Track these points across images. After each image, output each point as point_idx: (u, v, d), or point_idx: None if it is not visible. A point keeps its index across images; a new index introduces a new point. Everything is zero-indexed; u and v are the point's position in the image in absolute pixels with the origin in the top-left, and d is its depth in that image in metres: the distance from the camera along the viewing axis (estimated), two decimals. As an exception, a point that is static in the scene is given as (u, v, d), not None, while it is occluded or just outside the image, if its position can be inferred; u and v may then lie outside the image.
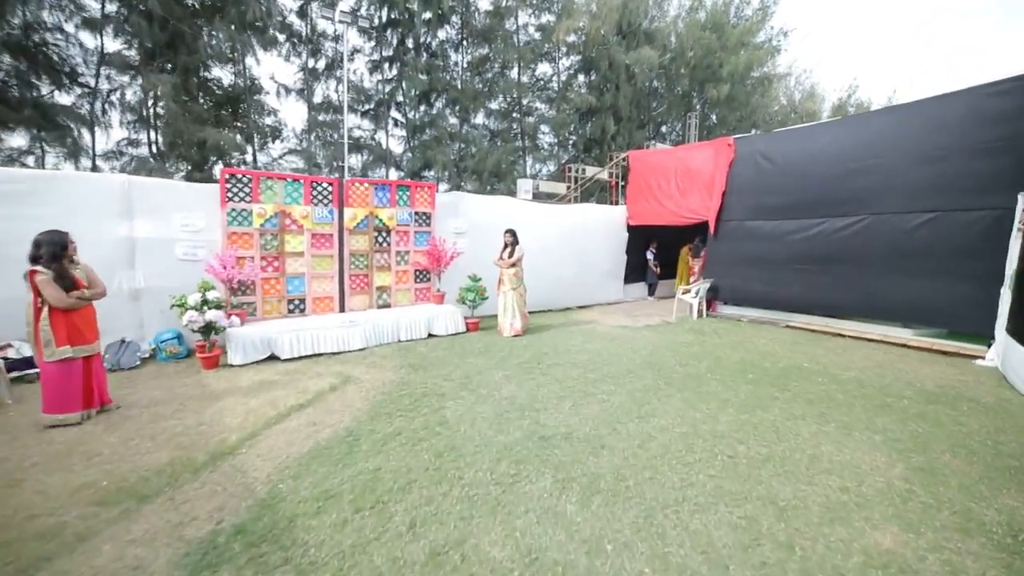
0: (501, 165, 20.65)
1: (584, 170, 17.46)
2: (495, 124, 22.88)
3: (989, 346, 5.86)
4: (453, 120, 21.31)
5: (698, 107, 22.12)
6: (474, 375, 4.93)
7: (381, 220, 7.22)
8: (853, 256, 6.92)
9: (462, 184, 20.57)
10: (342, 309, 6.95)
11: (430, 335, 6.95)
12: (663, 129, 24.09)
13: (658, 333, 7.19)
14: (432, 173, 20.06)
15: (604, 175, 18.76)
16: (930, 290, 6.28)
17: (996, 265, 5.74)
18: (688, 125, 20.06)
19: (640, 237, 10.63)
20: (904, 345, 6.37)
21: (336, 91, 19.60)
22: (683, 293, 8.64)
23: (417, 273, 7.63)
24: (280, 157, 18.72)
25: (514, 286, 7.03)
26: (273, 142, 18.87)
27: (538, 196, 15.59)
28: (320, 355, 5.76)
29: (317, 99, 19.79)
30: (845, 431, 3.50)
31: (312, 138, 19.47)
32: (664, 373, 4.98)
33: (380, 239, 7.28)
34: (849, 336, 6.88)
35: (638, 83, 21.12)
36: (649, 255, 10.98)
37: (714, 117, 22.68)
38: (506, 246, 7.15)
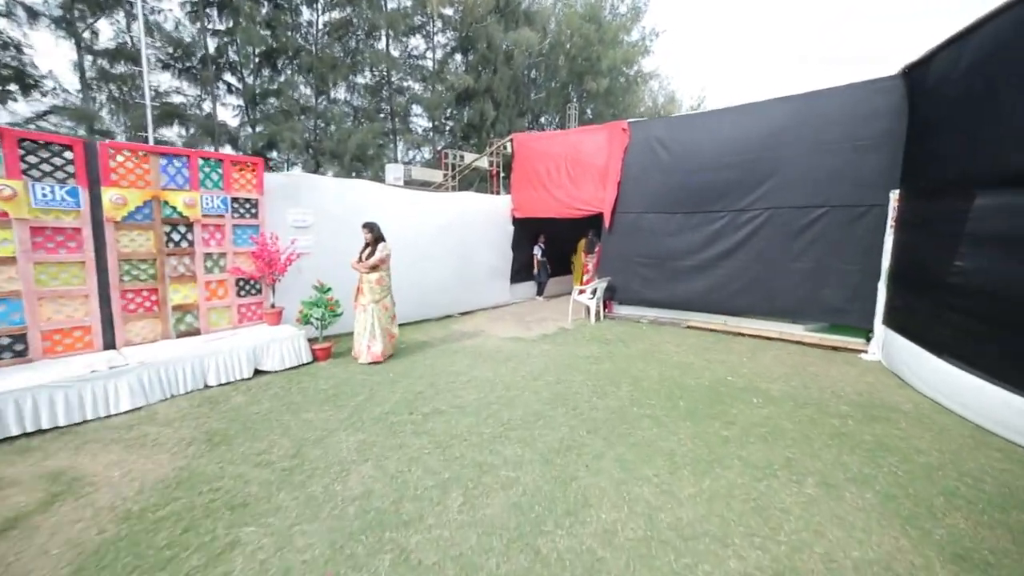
0: (367, 149, 18.09)
1: (462, 157, 16.07)
2: (360, 101, 20.11)
3: (868, 339, 5.92)
4: (307, 91, 18.02)
5: (575, 100, 22.16)
6: (309, 448, 3.17)
7: (175, 209, 4.91)
8: (753, 252, 6.64)
9: (320, 169, 17.57)
10: (111, 345, 4.54)
11: (258, 372, 4.89)
12: (542, 119, 23.74)
13: (558, 345, 6.10)
14: (278, 155, 16.55)
15: (484, 163, 17.59)
16: (821, 286, 6.21)
17: (876, 261, 5.78)
18: (568, 116, 19.88)
19: (527, 231, 9.56)
20: (800, 342, 6.22)
21: (131, 34, 14.69)
22: (579, 294, 7.76)
23: (240, 284, 5.44)
24: (39, 117, 13.01)
25: (376, 297, 5.30)
26: (24, 93, 12.87)
27: (411, 184, 13.76)
28: (41, 433, 3.42)
29: (104, 42, 14.68)
30: (831, 492, 2.63)
31: (103, 97, 14.59)
32: (581, 412, 3.80)
33: (175, 236, 4.96)
34: (749, 335, 6.60)
35: (517, 67, 20.29)
36: (537, 251, 9.98)
37: (590, 111, 23.04)
38: (366, 245, 5.38)
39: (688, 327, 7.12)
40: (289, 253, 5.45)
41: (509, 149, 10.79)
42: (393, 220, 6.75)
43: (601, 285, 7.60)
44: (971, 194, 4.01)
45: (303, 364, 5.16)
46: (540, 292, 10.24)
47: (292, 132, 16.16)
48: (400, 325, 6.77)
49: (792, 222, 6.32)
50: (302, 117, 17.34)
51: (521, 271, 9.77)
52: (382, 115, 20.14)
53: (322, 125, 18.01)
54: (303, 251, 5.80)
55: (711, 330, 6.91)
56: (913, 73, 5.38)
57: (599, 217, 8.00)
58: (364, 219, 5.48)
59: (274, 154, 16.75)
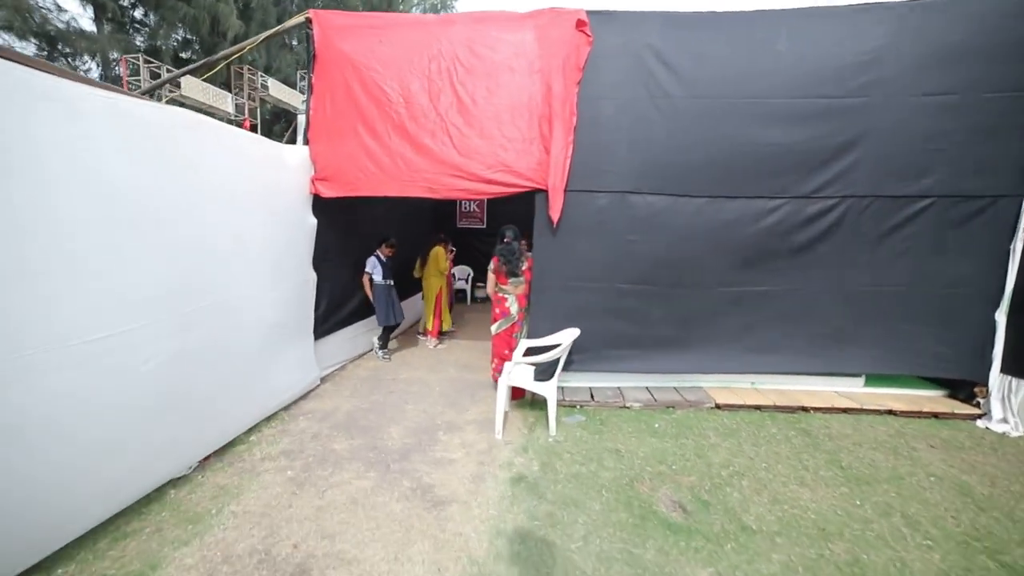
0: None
1: (169, 70, 9.01)
2: None
3: (969, 397, 3.93)
4: None
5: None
6: None
7: None
8: (819, 269, 3.83)
9: None
10: None
11: None
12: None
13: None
14: None
15: (228, 105, 10.83)
16: (913, 319, 3.89)
17: (996, 280, 3.75)
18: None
19: (340, 223, 4.61)
20: (891, 412, 3.82)
21: None
22: (509, 376, 3.57)
23: None
24: None
25: None
26: None
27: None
28: None
29: None
30: None
31: None
32: None
33: None
34: (814, 409, 3.83)
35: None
36: (375, 270, 5.08)
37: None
38: None
39: (716, 407, 3.90)
40: None
41: (280, 93, 5.07)
42: None
43: (566, 345, 3.56)
44: None
45: None
46: (384, 343, 5.36)
47: None
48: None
49: (880, 220, 3.77)
50: None
51: (332, 311, 4.76)
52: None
53: None
54: None
55: (753, 407, 3.88)
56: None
57: (518, 199, 3.93)
58: None
59: None
